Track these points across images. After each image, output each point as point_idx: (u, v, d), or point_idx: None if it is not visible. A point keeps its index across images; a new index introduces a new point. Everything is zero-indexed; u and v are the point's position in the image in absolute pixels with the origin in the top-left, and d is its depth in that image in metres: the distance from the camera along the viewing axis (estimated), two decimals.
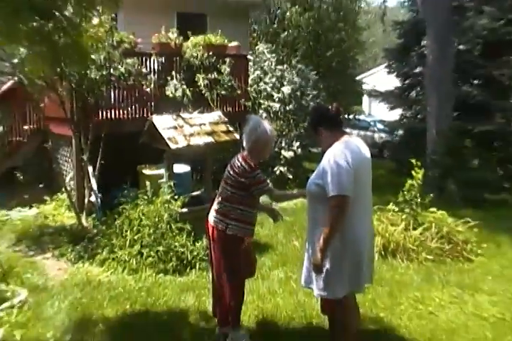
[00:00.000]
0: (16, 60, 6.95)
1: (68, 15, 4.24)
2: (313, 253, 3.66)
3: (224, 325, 4.36)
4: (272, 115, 11.14)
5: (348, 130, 17.74)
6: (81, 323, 4.80)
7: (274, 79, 11.48)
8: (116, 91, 8.64)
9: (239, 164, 4.09)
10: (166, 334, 4.53)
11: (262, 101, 11.25)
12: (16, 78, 7.74)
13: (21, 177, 8.99)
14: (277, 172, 10.55)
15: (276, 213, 4.46)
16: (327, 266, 3.62)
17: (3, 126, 8.95)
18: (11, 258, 6.50)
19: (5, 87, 8.90)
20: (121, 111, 8.70)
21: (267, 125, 4.22)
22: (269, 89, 11.34)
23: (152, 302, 5.28)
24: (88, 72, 7.56)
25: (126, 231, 6.55)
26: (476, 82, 14.19)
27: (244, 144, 4.21)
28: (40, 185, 9.12)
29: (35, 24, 3.98)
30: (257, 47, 12.64)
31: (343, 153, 3.60)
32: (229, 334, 4.30)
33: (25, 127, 9.27)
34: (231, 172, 4.13)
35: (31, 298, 5.30)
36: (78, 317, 4.93)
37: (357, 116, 21.26)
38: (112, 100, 8.60)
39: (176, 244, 6.37)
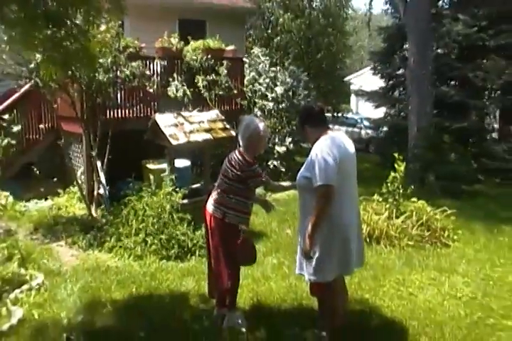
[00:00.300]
0: (32, 65, 6.97)
1: (78, 22, 4.23)
2: (303, 240, 3.67)
3: (222, 306, 4.36)
4: (266, 113, 11.09)
5: (336, 127, 17.81)
6: (91, 304, 4.81)
7: (267, 80, 11.41)
8: (122, 92, 8.59)
9: (237, 159, 4.09)
10: (168, 316, 4.53)
11: (256, 100, 11.20)
12: (32, 81, 7.72)
13: (37, 172, 8.96)
14: (271, 165, 10.53)
15: (269, 204, 4.44)
16: (317, 251, 3.65)
17: (21, 125, 8.90)
18: (28, 245, 6.51)
19: (22, 90, 8.83)
20: (126, 111, 8.66)
21: (259, 123, 4.22)
22: (263, 89, 11.28)
23: (155, 286, 5.28)
24: (96, 74, 7.52)
25: (132, 220, 6.55)
26: (452, 83, 14.26)
27: (240, 141, 4.22)
28: (54, 179, 9.08)
29: (48, 32, 3.95)
30: (252, 51, 12.57)
31: (329, 147, 3.63)
32: (226, 314, 4.30)
33: (41, 126, 9.22)
34: (230, 167, 4.12)
35: (47, 281, 5.32)
36: (88, 299, 4.94)
37: (345, 114, 21.23)
38: (119, 100, 8.56)
39: (178, 232, 6.37)
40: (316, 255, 3.65)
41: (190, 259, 6.17)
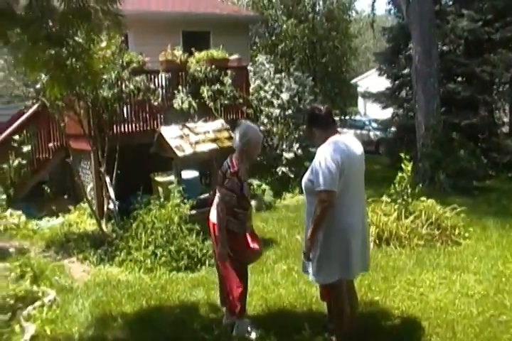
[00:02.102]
0: (38, 86, 7.09)
1: (80, 41, 4.30)
2: (304, 243, 3.74)
3: (231, 314, 4.37)
4: (272, 120, 11.12)
5: (345, 130, 17.78)
6: (102, 319, 4.84)
7: (273, 87, 11.42)
8: (128, 107, 8.63)
9: (226, 165, 4.20)
10: (179, 326, 4.55)
11: (262, 107, 11.21)
12: (39, 101, 7.81)
13: (48, 191, 9.08)
14: (279, 172, 10.54)
15: None
16: (317, 253, 3.70)
17: (31, 145, 9.05)
18: (41, 263, 6.57)
19: (31, 110, 8.98)
20: (133, 125, 8.71)
21: (256, 128, 4.30)
22: (269, 97, 11.29)
23: (166, 298, 5.30)
24: (101, 91, 7.62)
25: (141, 234, 6.57)
26: (460, 79, 14.13)
27: (235, 146, 4.28)
28: (65, 196, 9.20)
29: (51, 52, 4.03)
30: (256, 59, 12.59)
31: (332, 152, 3.66)
32: (235, 323, 4.31)
33: (50, 145, 9.34)
34: (220, 174, 4.25)
35: (59, 297, 5.35)
36: (100, 313, 4.97)
37: (353, 117, 21.19)
38: (125, 115, 8.61)
39: (187, 243, 6.39)
40: (316, 255, 3.70)
41: (200, 269, 6.20)
